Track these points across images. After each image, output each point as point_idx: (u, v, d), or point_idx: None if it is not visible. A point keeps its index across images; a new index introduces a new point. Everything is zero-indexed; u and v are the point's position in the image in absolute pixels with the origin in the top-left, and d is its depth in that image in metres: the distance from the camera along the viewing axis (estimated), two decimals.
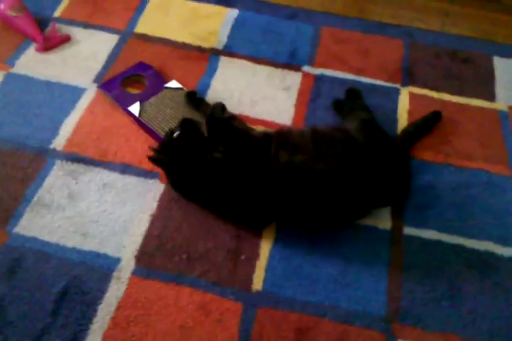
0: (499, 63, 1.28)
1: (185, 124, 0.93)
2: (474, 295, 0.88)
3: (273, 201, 0.87)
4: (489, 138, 1.12)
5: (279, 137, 0.92)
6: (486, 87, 1.23)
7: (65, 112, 1.08)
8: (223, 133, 0.93)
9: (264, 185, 0.86)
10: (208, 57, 1.22)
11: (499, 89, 1.22)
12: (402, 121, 1.13)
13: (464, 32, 1.36)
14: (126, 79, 1.15)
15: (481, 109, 1.18)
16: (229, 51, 1.24)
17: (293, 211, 0.88)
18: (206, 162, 0.88)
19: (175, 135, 0.91)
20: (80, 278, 0.85)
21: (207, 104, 1.09)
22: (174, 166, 0.91)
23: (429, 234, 0.95)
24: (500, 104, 1.19)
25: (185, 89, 1.13)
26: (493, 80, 1.24)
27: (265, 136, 0.94)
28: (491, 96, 1.20)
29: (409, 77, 1.23)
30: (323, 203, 0.87)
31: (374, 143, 0.95)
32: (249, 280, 0.87)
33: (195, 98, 1.10)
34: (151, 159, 0.91)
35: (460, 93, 1.21)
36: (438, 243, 0.94)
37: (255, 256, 0.90)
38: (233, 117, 1.03)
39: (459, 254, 0.93)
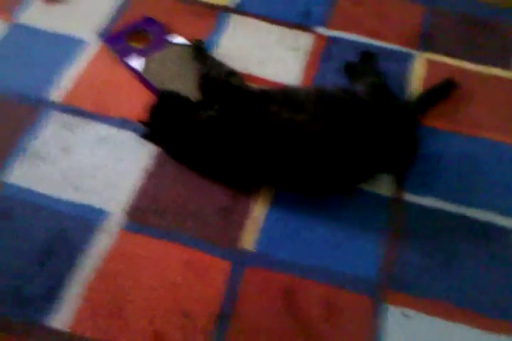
0: None
1: (165, 98, 0.91)
2: (471, 265, 0.85)
3: (271, 161, 0.84)
4: (504, 109, 1.06)
5: (283, 95, 0.89)
6: (505, 56, 1.16)
7: (68, 64, 1.06)
8: (219, 92, 0.90)
9: (262, 143, 0.84)
10: (219, 14, 1.18)
11: None
12: (417, 87, 1.09)
13: None
14: (132, 34, 1.11)
15: (500, 78, 1.12)
16: (241, 9, 1.19)
17: (292, 172, 0.85)
18: (200, 121, 0.85)
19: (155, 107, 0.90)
20: (68, 230, 0.85)
21: (211, 59, 1.05)
22: (165, 130, 0.89)
23: (431, 202, 0.92)
24: None
25: (191, 45, 1.09)
26: None
27: (262, 92, 0.91)
28: (510, 66, 1.14)
29: (426, 42, 1.18)
30: (323, 165, 0.84)
31: (382, 106, 0.91)
32: (239, 240, 0.86)
33: (201, 52, 1.07)
34: (147, 112, 0.90)
35: (478, 61, 1.15)
36: (439, 211, 0.91)
37: (249, 215, 0.89)
38: (232, 73, 1.00)
39: (459, 223, 0.90)
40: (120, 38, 1.09)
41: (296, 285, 0.81)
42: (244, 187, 0.92)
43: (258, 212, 0.89)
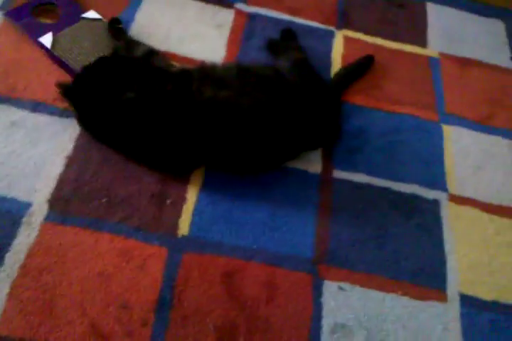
0: (432, 10, 1.28)
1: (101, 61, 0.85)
2: (399, 236, 0.90)
3: (196, 141, 0.82)
4: (419, 84, 1.12)
5: (202, 72, 0.87)
6: (418, 33, 1.22)
7: None
8: (137, 73, 0.85)
9: (186, 123, 0.81)
10: None
11: (431, 35, 1.22)
12: (336, 64, 1.11)
13: None
14: (38, 7, 1.02)
15: (413, 54, 1.18)
16: None
17: (218, 151, 0.84)
18: (119, 103, 0.81)
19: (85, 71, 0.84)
20: None
21: (128, 37, 0.99)
22: (86, 105, 0.83)
23: (358, 178, 0.95)
24: (431, 51, 1.19)
25: (104, 20, 1.02)
26: (425, 27, 1.24)
27: (183, 71, 0.88)
28: (422, 43, 1.20)
29: (344, 19, 1.20)
30: (249, 142, 0.83)
31: (305, 82, 0.92)
32: (175, 225, 0.83)
33: (115, 27, 1.00)
34: (62, 93, 0.83)
35: (393, 38, 1.19)
36: (367, 186, 0.94)
37: (182, 200, 0.86)
38: (152, 52, 0.95)
39: (386, 197, 0.94)
40: (25, 12, 0.99)
41: (234, 267, 0.81)
42: (172, 171, 0.89)
43: (190, 195, 0.87)
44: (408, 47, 1.18)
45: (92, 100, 0.83)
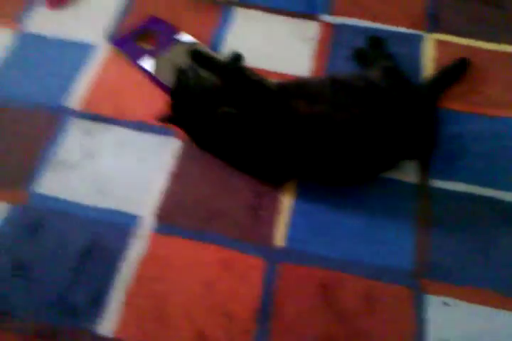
0: None
1: (180, 73, 0.90)
2: (508, 248, 0.85)
3: (294, 155, 0.84)
4: None
5: (296, 87, 0.88)
6: None
7: (79, 70, 1.05)
8: (236, 84, 0.89)
9: (284, 138, 0.83)
10: (222, 8, 1.17)
11: None
12: (428, 70, 1.07)
13: None
14: (139, 35, 1.10)
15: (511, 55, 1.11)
16: (244, 2, 1.18)
17: (315, 164, 0.85)
18: (218, 116, 0.85)
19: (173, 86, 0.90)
20: (100, 236, 0.85)
21: (216, 60, 1.03)
22: (187, 122, 0.88)
23: (459, 187, 0.91)
24: None
25: (198, 42, 1.08)
26: None
27: (280, 86, 0.90)
28: None
29: (435, 23, 1.16)
30: (345, 155, 0.83)
31: (398, 90, 0.90)
32: (270, 236, 0.86)
33: (201, 57, 1.03)
34: (161, 120, 0.90)
35: (490, 39, 1.13)
36: (468, 196, 0.90)
37: (276, 211, 0.88)
38: (248, 69, 0.98)
39: (491, 207, 0.89)
40: (129, 40, 1.08)
41: (332, 279, 0.81)
42: (271, 181, 0.91)
43: (284, 207, 0.89)
44: (508, 48, 1.12)
45: (192, 117, 0.87)
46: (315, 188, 0.91)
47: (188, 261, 0.83)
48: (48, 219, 0.87)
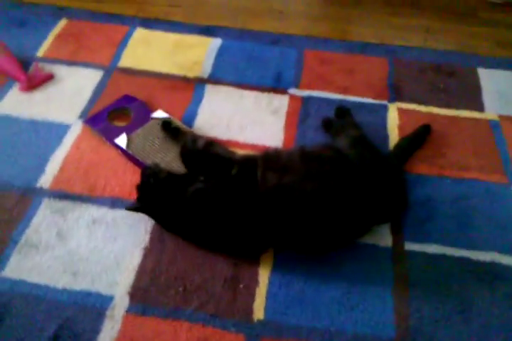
0: (484, 74, 1.29)
1: (147, 172, 0.92)
2: (486, 309, 0.84)
3: (266, 226, 0.84)
4: (482, 148, 1.10)
5: (267, 159, 0.90)
6: (473, 99, 1.23)
7: (51, 149, 1.06)
8: (201, 163, 0.91)
9: (255, 210, 0.84)
10: (194, 86, 1.22)
11: (487, 99, 1.22)
12: (393, 136, 1.13)
13: (446, 46, 1.38)
14: (112, 113, 1.14)
15: (472, 119, 1.17)
16: (214, 79, 1.24)
17: (288, 234, 0.85)
18: (189, 194, 0.86)
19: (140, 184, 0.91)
20: (71, 320, 0.81)
21: (184, 133, 1.07)
22: (157, 209, 0.89)
23: (432, 249, 0.92)
24: (489, 114, 1.19)
25: (171, 118, 1.12)
26: (479, 91, 1.25)
27: (248, 159, 0.92)
28: (479, 107, 1.20)
29: (395, 93, 1.24)
30: (317, 224, 0.84)
31: (366, 159, 0.93)
32: (249, 310, 0.83)
33: (170, 128, 1.08)
34: (130, 209, 0.90)
35: (448, 106, 1.21)
36: (442, 257, 0.91)
37: (254, 283, 0.87)
38: (211, 143, 1.00)
39: (465, 267, 0.90)
40: (101, 118, 1.11)
41: None
42: (243, 254, 0.90)
43: (262, 278, 0.87)
44: (465, 113, 1.19)
45: (162, 192, 0.88)
46: (292, 258, 0.90)
47: None
48: (15, 304, 0.83)
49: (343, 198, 0.85)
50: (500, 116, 1.18)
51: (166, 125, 1.08)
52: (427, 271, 0.89)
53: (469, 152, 1.09)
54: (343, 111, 1.15)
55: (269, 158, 0.91)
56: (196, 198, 0.86)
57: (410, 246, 0.92)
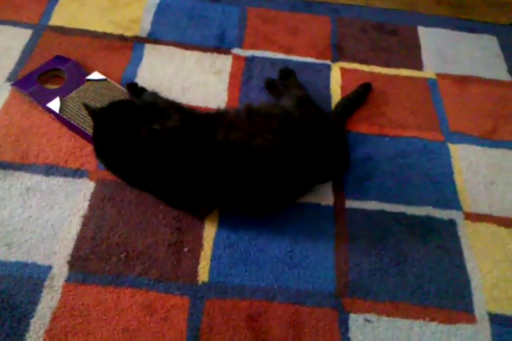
0: (424, 33, 1.30)
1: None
2: (419, 261, 0.89)
3: (212, 181, 0.84)
4: (420, 107, 1.13)
5: (216, 117, 0.90)
6: (413, 57, 1.24)
7: None
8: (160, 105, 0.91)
9: (203, 164, 0.83)
10: (132, 45, 1.17)
11: (426, 58, 1.24)
12: (336, 96, 1.13)
13: (388, 5, 1.37)
14: (44, 75, 1.07)
15: (410, 78, 1.19)
16: (154, 38, 1.19)
17: (233, 191, 0.85)
18: (145, 134, 0.83)
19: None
20: (7, 292, 0.79)
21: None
22: (109, 145, 0.86)
23: (371, 205, 0.95)
24: (428, 73, 1.21)
25: (109, 79, 1.07)
26: (419, 50, 1.26)
27: (206, 115, 0.92)
28: (419, 66, 1.22)
29: (338, 52, 1.23)
30: (261, 181, 0.84)
31: (310, 118, 0.93)
32: (194, 273, 0.84)
33: (137, 89, 1.04)
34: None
35: (389, 64, 1.22)
36: (380, 213, 0.94)
37: (199, 246, 0.87)
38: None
39: (401, 222, 0.93)
40: (32, 80, 1.05)
41: (258, 309, 0.81)
42: (191, 209, 0.90)
43: (206, 241, 0.88)
44: (404, 72, 1.20)
45: (113, 134, 0.86)
46: (236, 220, 0.91)
47: (106, 309, 0.78)
48: None
49: (288, 156, 0.85)
50: (438, 75, 1.20)
51: (131, 87, 1.04)
52: (366, 227, 0.92)
53: (408, 110, 1.12)
54: (287, 72, 1.14)
55: (218, 116, 0.91)
56: (151, 139, 0.83)
57: (351, 204, 0.95)
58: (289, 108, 0.94)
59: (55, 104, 1.01)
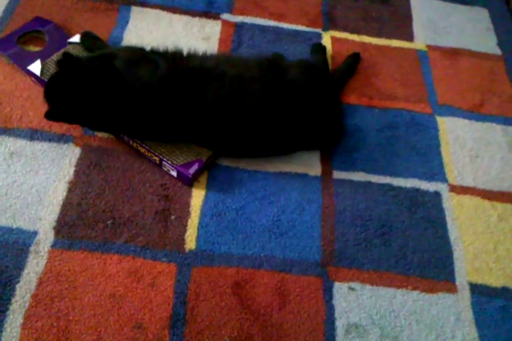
0: (415, 3, 1.29)
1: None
2: (404, 231, 0.90)
3: (204, 123, 0.85)
4: (410, 78, 1.12)
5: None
6: (404, 28, 1.23)
7: None
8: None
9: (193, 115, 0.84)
10: (118, 7, 1.13)
11: (417, 29, 1.23)
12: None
13: None
14: (24, 37, 1.03)
15: (401, 49, 1.18)
16: (140, 1, 1.15)
17: (223, 135, 0.87)
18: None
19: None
20: None
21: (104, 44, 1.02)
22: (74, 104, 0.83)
23: (358, 176, 0.96)
24: (418, 44, 1.20)
25: None
26: (410, 20, 1.25)
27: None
28: (409, 37, 1.21)
29: (329, 21, 1.21)
30: (253, 126, 0.86)
31: (309, 76, 0.93)
32: (181, 240, 0.84)
33: (91, 36, 1.02)
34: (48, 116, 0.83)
35: (380, 35, 1.20)
36: (367, 184, 0.95)
37: (186, 214, 0.87)
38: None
39: (388, 193, 0.94)
40: (11, 42, 1.01)
41: (244, 277, 0.82)
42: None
43: (194, 209, 0.87)
44: (395, 42, 1.19)
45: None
46: (223, 188, 0.90)
47: (93, 274, 0.78)
48: None
49: (280, 105, 0.86)
50: (428, 46, 1.19)
51: (86, 34, 1.02)
52: (352, 198, 0.93)
53: (397, 82, 1.11)
54: (319, 48, 1.12)
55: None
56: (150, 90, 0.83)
57: (338, 175, 0.95)
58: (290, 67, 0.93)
59: (36, 67, 0.97)
